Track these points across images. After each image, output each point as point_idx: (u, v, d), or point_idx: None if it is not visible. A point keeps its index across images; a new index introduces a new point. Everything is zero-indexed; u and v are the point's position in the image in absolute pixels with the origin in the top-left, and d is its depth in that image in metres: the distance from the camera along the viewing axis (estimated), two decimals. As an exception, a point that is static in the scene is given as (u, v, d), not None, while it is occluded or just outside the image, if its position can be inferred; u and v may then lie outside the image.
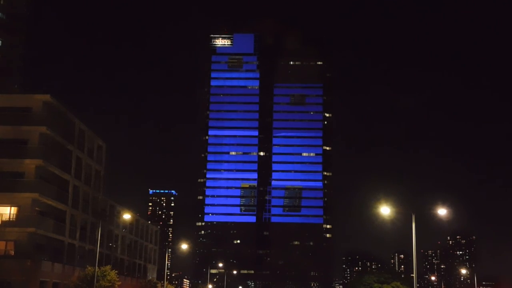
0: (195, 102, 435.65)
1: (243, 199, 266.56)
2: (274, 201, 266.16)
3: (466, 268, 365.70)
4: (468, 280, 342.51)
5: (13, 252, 59.06)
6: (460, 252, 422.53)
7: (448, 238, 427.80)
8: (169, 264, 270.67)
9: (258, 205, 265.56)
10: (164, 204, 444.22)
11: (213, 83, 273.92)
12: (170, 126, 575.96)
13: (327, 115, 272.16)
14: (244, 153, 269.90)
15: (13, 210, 59.79)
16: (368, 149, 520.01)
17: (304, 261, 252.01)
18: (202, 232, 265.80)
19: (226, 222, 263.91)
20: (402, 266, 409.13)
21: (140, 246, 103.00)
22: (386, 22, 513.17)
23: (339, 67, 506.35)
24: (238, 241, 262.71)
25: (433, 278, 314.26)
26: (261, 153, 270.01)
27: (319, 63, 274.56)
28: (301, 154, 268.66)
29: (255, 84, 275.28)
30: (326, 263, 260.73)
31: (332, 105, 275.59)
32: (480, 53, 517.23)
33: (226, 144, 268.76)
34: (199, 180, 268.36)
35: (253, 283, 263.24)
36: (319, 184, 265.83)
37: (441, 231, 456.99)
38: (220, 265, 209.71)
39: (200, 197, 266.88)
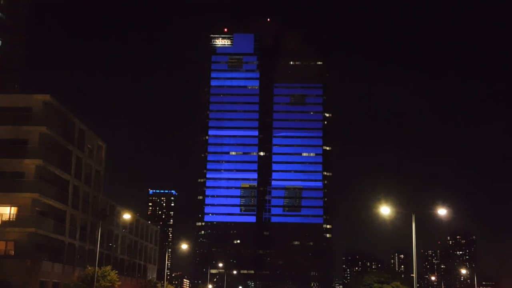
0: (195, 102, 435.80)
1: (243, 199, 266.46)
2: (274, 201, 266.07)
3: (466, 268, 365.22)
4: (468, 280, 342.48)
5: (13, 252, 59.08)
6: (460, 252, 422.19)
7: (448, 238, 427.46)
8: (169, 264, 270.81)
9: (258, 205, 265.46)
10: (164, 204, 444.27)
11: (213, 83, 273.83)
12: (170, 126, 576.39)
13: (327, 115, 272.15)
14: (244, 153, 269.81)
15: (13, 210, 59.84)
16: (368, 149, 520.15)
17: (304, 261, 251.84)
18: (202, 232, 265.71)
19: (226, 222, 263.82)
20: (402, 266, 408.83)
21: (140, 246, 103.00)
22: (386, 22, 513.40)
23: (339, 67, 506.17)
24: (238, 241, 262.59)
25: (433, 278, 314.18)
26: (261, 153, 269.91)
27: (319, 63, 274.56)
28: (301, 154, 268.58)
29: (255, 84, 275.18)
30: (326, 263, 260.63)
31: (332, 105, 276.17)
32: (479, 53, 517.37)
33: (226, 144, 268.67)
34: (199, 180, 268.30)
35: (253, 283, 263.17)
36: (319, 184, 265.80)
37: (441, 231, 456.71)
38: (220, 265, 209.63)
39: (200, 197, 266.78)
